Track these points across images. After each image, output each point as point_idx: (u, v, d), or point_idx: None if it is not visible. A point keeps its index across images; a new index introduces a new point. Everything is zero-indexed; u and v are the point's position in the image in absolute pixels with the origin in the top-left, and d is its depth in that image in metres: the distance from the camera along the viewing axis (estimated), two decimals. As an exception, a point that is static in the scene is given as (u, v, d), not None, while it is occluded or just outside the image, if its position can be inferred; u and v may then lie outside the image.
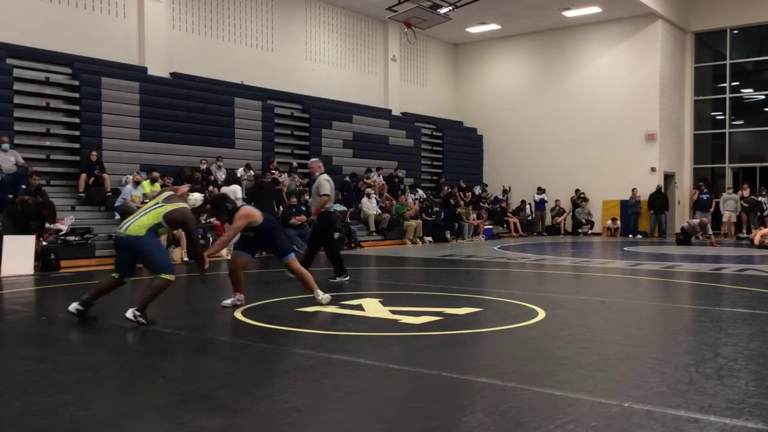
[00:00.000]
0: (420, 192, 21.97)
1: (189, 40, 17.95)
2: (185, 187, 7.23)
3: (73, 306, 6.48)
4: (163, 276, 6.31)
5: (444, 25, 19.87)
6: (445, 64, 27.07)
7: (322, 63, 21.75)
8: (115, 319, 6.44)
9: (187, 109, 16.76)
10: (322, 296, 7.51)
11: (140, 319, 6.19)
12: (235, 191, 14.91)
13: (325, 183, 9.68)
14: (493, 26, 24.61)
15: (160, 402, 4.00)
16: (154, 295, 6.36)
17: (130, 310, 6.24)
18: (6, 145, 12.98)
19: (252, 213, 7.27)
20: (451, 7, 17.68)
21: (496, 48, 26.28)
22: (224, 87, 18.15)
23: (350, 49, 22.73)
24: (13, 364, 5.15)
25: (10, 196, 12.34)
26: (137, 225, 6.31)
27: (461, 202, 21.85)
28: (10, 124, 13.71)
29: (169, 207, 6.44)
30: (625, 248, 17.52)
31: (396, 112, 23.83)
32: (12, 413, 3.83)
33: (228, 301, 7.45)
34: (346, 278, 9.71)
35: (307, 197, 16.59)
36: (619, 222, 23.21)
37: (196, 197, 6.91)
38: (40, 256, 11.51)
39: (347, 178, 19.86)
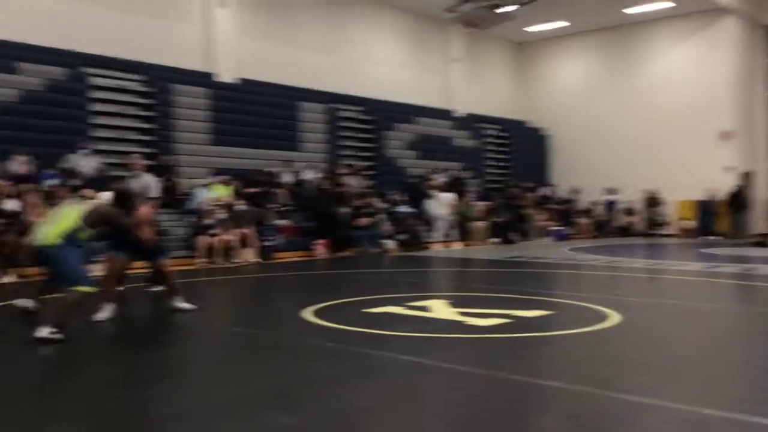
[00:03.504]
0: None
1: (255, 47, 18.28)
2: (90, 191, 7.11)
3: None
4: (81, 289, 5.71)
5: (507, 24, 19.62)
6: (509, 63, 26.73)
7: (384, 65, 21.82)
8: (191, 319, 6.63)
9: (255, 114, 17.10)
10: (185, 303, 7.12)
11: (56, 336, 5.55)
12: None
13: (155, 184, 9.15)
14: (558, 24, 24.17)
15: (233, 399, 4.10)
16: (72, 311, 5.78)
17: (43, 329, 5.57)
18: (86, 151, 13.53)
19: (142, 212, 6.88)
20: (515, 6, 17.44)
21: (562, 46, 25.80)
22: (289, 91, 18.43)
23: (412, 50, 22.71)
24: (90, 362, 5.36)
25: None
26: (51, 234, 5.77)
27: (528, 203, 21.55)
28: (88, 131, 14.24)
29: (84, 207, 6.01)
30: (701, 250, 16.93)
31: (459, 113, 23.70)
32: (94, 409, 3.99)
33: (103, 315, 6.71)
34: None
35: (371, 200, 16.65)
36: (694, 222, 22.44)
37: (106, 195, 6.85)
38: None
39: (412, 180, 19.85)
